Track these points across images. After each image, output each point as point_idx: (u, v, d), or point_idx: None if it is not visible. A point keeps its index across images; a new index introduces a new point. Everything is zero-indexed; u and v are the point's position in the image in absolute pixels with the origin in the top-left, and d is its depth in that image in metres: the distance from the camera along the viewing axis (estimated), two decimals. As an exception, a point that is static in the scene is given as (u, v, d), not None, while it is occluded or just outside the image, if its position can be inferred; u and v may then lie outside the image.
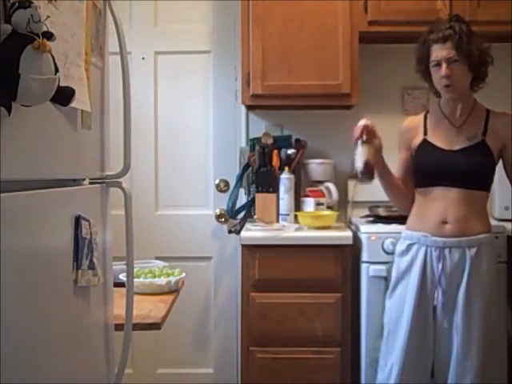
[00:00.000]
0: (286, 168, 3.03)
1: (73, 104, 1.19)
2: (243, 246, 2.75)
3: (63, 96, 1.13)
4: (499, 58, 3.14)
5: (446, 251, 2.25)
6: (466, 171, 2.28)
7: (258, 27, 2.93)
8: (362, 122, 2.31)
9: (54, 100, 1.10)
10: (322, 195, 3.05)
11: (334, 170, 3.20)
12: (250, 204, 3.11)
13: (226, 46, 3.28)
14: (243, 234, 2.77)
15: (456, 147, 2.32)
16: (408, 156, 2.44)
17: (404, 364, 2.28)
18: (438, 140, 2.36)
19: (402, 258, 2.35)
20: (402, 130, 2.49)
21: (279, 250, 2.72)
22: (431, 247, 2.27)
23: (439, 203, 2.29)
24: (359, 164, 2.31)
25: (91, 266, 1.36)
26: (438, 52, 2.25)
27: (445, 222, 2.27)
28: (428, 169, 2.36)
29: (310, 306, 2.70)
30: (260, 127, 3.28)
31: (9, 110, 0.96)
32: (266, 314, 2.71)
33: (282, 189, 3.00)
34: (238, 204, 3.20)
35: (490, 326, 2.25)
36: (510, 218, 2.89)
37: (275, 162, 3.04)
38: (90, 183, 1.52)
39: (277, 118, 3.30)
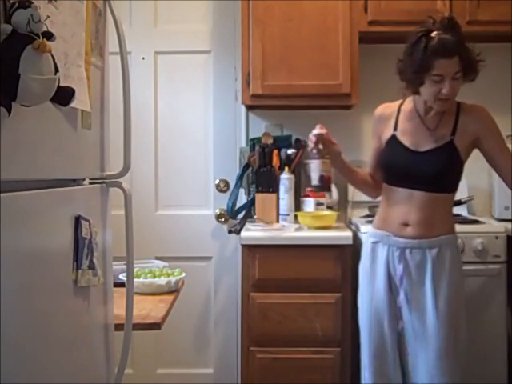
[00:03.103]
0: (286, 168, 3.03)
1: (73, 104, 1.19)
2: (243, 245, 2.75)
3: (63, 96, 1.13)
4: (499, 58, 3.17)
5: (407, 252, 2.24)
6: (429, 175, 2.22)
7: (258, 27, 2.93)
8: (316, 131, 2.28)
9: (53, 100, 1.11)
10: (322, 195, 3.05)
11: (334, 170, 3.19)
12: (250, 204, 3.11)
13: (226, 46, 3.28)
14: (243, 234, 2.77)
15: (423, 148, 2.25)
16: (379, 147, 2.39)
17: (374, 365, 2.29)
18: (406, 138, 2.29)
19: (366, 257, 2.35)
20: (376, 118, 2.43)
21: (279, 249, 2.71)
22: (393, 247, 2.26)
23: (402, 205, 2.26)
24: (314, 178, 2.40)
25: (91, 266, 1.36)
26: (444, 68, 2.09)
27: (406, 225, 2.25)
28: (392, 169, 2.31)
29: (310, 306, 2.70)
30: (260, 127, 3.28)
31: (9, 110, 0.97)
32: (266, 313, 2.71)
33: (282, 189, 3.00)
34: (238, 204, 3.20)
35: (460, 324, 2.23)
36: (509, 217, 2.89)
37: (275, 162, 3.04)
38: (90, 183, 1.52)
39: (277, 118, 3.30)
